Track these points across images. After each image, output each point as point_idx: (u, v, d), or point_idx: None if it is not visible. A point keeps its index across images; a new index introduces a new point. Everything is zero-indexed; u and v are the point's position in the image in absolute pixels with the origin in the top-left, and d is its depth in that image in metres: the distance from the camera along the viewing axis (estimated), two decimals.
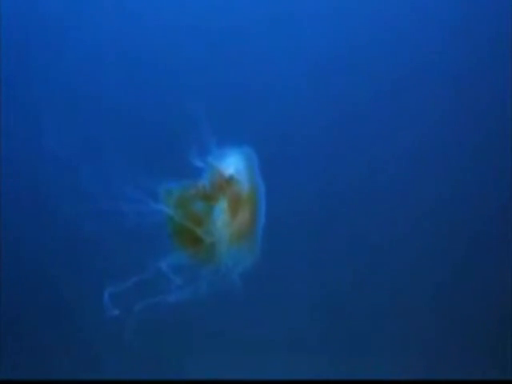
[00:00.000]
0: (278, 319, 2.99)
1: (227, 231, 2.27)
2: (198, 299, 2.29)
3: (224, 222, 2.28)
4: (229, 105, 2.87)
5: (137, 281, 2.32)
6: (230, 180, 2.27)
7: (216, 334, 2.97)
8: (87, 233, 2.33)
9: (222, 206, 2.28)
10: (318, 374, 2.96)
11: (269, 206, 2.34)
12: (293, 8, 3.01)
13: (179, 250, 2.32)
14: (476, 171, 3.01)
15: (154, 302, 2.31)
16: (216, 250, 2.28)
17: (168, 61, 2.96)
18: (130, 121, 2.93)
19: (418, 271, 3.05)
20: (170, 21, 3.03)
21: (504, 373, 2.97)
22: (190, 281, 2.29)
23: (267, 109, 2.95)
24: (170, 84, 2.96)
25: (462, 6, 2.99)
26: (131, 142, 2.83)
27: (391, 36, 3.00)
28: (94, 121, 2.89)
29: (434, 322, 3.05)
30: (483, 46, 2.99)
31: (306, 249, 3.00)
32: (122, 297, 2.31)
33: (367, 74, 2.99)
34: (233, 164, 2.32)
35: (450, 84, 3.01)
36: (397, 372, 3.00)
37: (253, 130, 2.51)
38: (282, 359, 2.99)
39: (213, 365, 2.96)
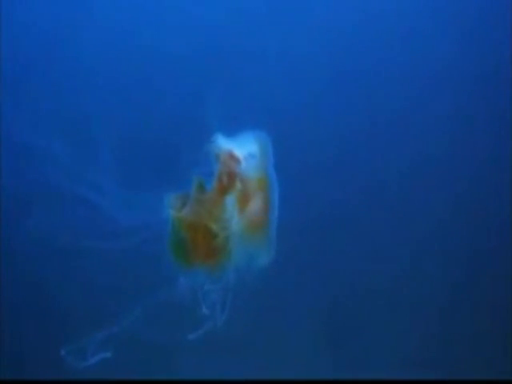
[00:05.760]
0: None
1: (240, 223, 2.07)
2: None
3: (236, 213, 2.07)
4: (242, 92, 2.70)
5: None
6: (244, 160, 2.05)
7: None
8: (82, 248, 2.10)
9: (234, 195, 2.07)
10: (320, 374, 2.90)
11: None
12: None
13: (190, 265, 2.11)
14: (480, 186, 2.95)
15: None
16: (230, 246, 2.07)
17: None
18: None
19: (419, 272, 3.00)
20: (173, 18, 2.87)
21: (504, 373, 2.95)
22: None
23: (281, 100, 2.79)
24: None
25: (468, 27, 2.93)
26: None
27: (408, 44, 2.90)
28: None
29: (434, 322, 3.00)
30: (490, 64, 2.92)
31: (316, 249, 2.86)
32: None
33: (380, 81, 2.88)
34: (246, 146, 2.11)
35: (459, 104, 2.94)
36: (396, 372, 2.94)
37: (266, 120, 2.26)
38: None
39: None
